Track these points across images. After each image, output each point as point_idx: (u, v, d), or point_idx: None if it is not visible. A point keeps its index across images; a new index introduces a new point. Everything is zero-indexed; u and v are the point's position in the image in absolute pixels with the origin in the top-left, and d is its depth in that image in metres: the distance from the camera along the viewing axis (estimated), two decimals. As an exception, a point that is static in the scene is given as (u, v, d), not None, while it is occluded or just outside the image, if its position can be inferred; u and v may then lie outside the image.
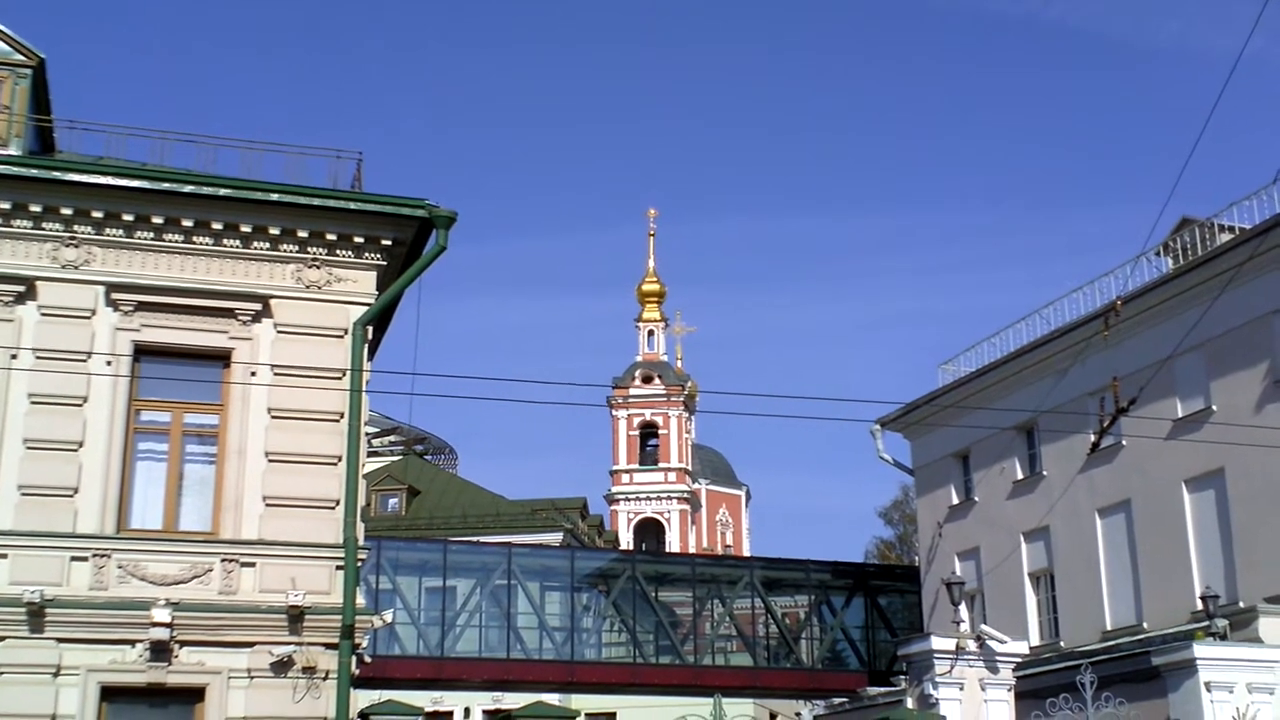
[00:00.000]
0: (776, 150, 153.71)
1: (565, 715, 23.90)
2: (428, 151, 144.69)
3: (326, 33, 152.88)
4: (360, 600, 16.56)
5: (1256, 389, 24.79)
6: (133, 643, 15.51)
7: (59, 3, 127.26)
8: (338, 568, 16.38)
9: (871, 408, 40.97)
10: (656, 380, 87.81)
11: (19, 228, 16.37)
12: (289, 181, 17.07)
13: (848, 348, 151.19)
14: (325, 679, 15.90)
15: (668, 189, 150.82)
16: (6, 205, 16.23)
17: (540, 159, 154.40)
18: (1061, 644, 28.85)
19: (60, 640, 15.34)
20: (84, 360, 16.19)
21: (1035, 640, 29.30)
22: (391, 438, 63.90)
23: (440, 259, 17.38)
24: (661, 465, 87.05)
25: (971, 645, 23.32)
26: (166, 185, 16.58)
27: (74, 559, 15.65)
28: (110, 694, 15.45)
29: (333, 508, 16.57)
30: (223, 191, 16.76)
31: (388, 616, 18.49)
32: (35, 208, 16.31)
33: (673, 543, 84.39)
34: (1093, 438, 25.95)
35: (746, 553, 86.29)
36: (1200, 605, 24.29)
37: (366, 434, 17.58)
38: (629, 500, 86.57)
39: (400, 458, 61.56)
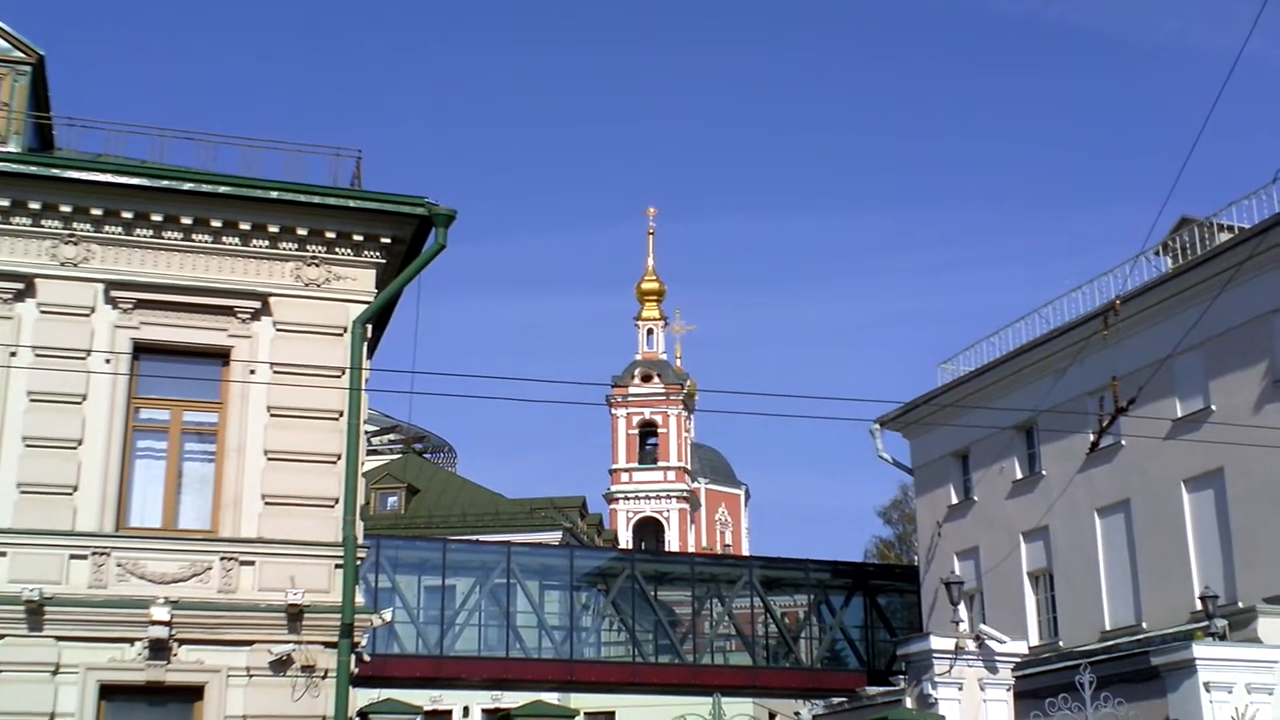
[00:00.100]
0: (776, 149, 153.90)
1: (564, 714, 23.85)
2: (427, 150, 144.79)
3: (326, 32, 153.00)
4: (359, 599, 16.56)
5: (1256, 388, 24.78)
6: (132, 641, 15.50)
7: (59, 0, 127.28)
8: (337, 566, 16.37)
9: (871, 407, 40.96)
10: (656, 379, 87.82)
11: (18, 225, 16.36)
12: (288, 179, 17.07)
13: (847, 347, 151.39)
14: (324, 677, 15.90)
15: (667, 188, 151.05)
16: (6, 202, 16.22)
17: (540, 158, 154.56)
18: (1060, 644, 28.85)
19: (59, 638, 15.33)
20: (83, 358, 16.19)
21: (1034, 640, 29.29)
22: (391, 436, 63.89)
23: (439, 257, 17.41)
24: (661, 464, 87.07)
25: (970, 645, 23.32)
26: (166, 183, 16.58)
27: (73, 557, 15.65)
28: (109, 692, 15.45)
29: (332, 506, 16.56)
30: (222, 189, 16.76)
31: (387, 615, 18.50)
32: (34, 205, 16.31)
33: (672, 542, 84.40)
34: (1092, 437, 25.98)
35: (746, 552, 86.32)
36: (1199, 605, 24.29)
37: (366, 432, 17.57)
38: (628, 499, 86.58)
39: (399, 456, 61.54)
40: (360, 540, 16.60)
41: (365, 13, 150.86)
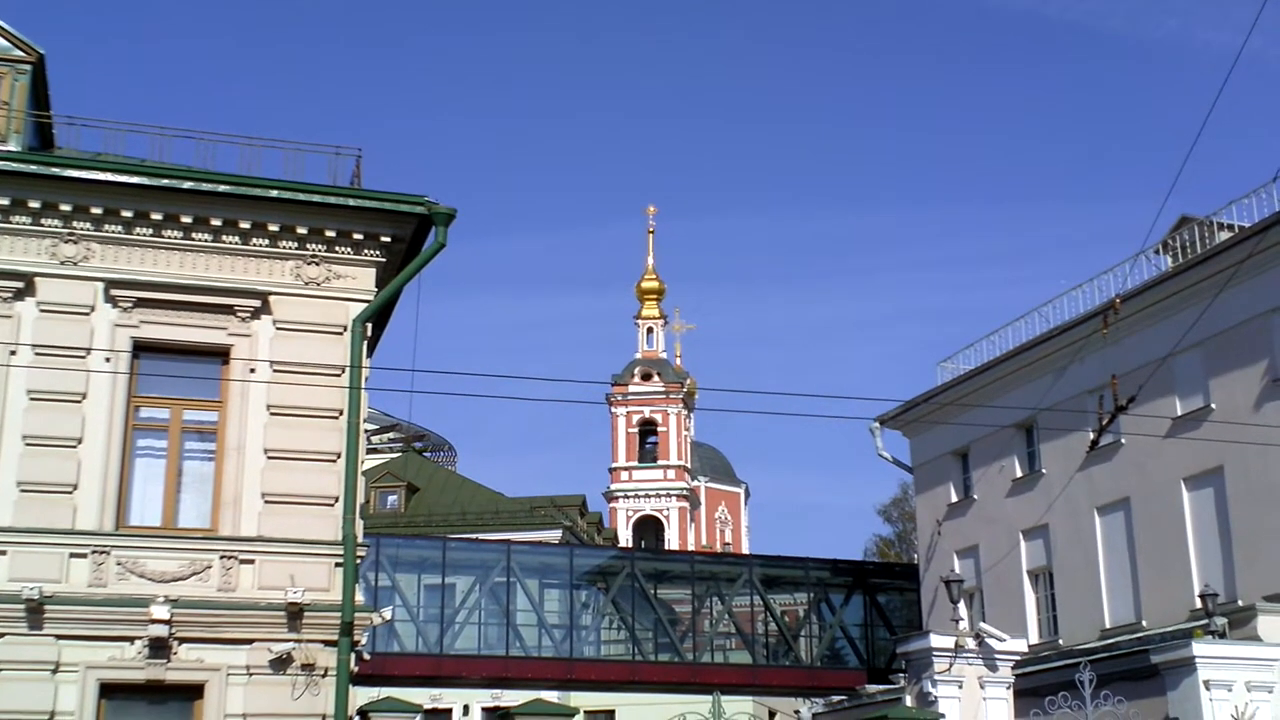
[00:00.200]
0: (776, 147, 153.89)
1: (564, 713, 23.88)
2: (427, 149, 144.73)
3: (327, 31, 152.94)
4: (359, 597, 16.57)
5: (1255, 387, 24.79)
6: (132, 640, 15.51)
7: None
8: (337, 565, 16.38)
9: (871, 405, 40.93)
10: (655, 378, 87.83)
11: (18, 224, 16.36)
12: (288, 178, 17.08)
13: (847, 345, 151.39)
14: (324, 676, 15.90)
15: (667, 186, 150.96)
16: (5, 201, 16.23)
17: (540, 156, 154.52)
18: (1060, 642, 28.86)
19: (59, 637, 15.34)
20: (83, 356, 16.19)
21: (1034, 638, 29.30)
22: (390, 435, 63.85)
23: (439, 256, 17.42)
24: (660, 463, 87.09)
25: (970, 643, 23.31)
26: (165, 181, 16.58)
27: (73, 556, 15.66)
28: (109, 691, 15.46)
29: (332, 505, 16.57)
30: (222, 188, 16.76)
31: (387, 614, 18.49)
32: (34, 204, 16.31)
33: (672, 540, 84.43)
34: (1092, 436, 25.98)
35: (745, 550, 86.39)
36: (1199, 603, 24.29)
37: (365, 431, 17.58)
38: (628, 498, 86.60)
39: (399, 455, 61.52)
40: (360, 539, 16.60)
41: (366, 12, 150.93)
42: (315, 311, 17.17)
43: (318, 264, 17.32)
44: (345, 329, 17.14)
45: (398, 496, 56.02)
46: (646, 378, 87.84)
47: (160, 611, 15.40)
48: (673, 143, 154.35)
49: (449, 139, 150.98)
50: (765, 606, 34.57)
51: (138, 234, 16.74)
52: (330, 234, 17.31)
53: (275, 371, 16.75)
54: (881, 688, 30.30)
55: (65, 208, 16.41)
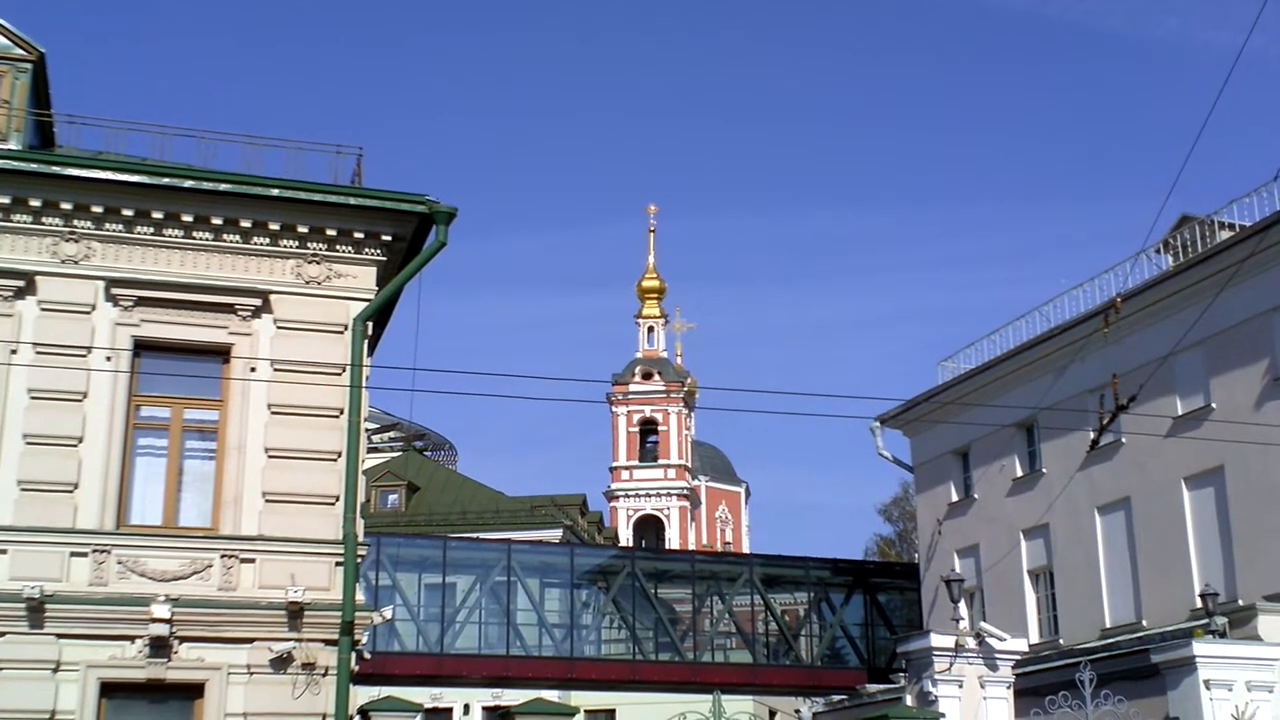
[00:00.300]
0: (777, 146, 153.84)
1: (564, 712, 23.85)
2: (427, 148, 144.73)
3: (327, 30, 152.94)
4: (360, 596, 16.57)
5: (1256, 386, 24.79)
6: (132, 638, 15.51)
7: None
8: (337, 564, 16.38)
9: (871, 404, 40.91)
10: (656, 377, 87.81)
11: (19, 222, 16.36)
12: (289, 177, 17.08)
13: (847, 344, 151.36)
14: (325, 675, 15.90)
15: (668, 185, 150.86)
16: (6, 200, 16.22)
17: (540, 155, 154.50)
18: (1061, 641, 28.87)
19: (60, 636, 15.34)
20: (84, 355, 16.19)
21: (1034, 638, 29.31)
22: (391, 434, 63.85)
23: (440, 255, 17.42)
24: (661, 462, 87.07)
25: (971, 642, 23.31)
26: (166, 180, 16.58)
27: (74, 554, 15.66)
28: (110, 689, 15.46)
29: (332, 504, 16.57)
30: (223, 187, 16.76)
31: (387, 613, 18.50)
32: (35, 202, 16.31)
33: (672, 539, 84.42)
34: (1092, 435, 25.95)
35: (746, 549, 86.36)
36: (1199, 603, 24.29)
37: (366, 430, 17.58)
38: (628, 497, 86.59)
39: (400, 454, 61.52)
40: (361, 538, 16.61)
41: (366, 12, 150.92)
42: (316, 310, 17.17)
43: (319, 263, 17.32)
44: (346, 328, 17.14)
45: (398, 496, 56.03)
46: (647, 377, 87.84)
47: (161, 610, 15.40)
48: (673, 142, 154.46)
49: (449, 139, 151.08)
50: (766, 606, 34.57)
51: (139, 233, 16.74)
52: (331, 233, 17.31)
53: (276, 370, 16.75)
54: (882, 687, 30.29)
55: (66, 206, 16.41)
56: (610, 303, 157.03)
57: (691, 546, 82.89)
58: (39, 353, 16.06)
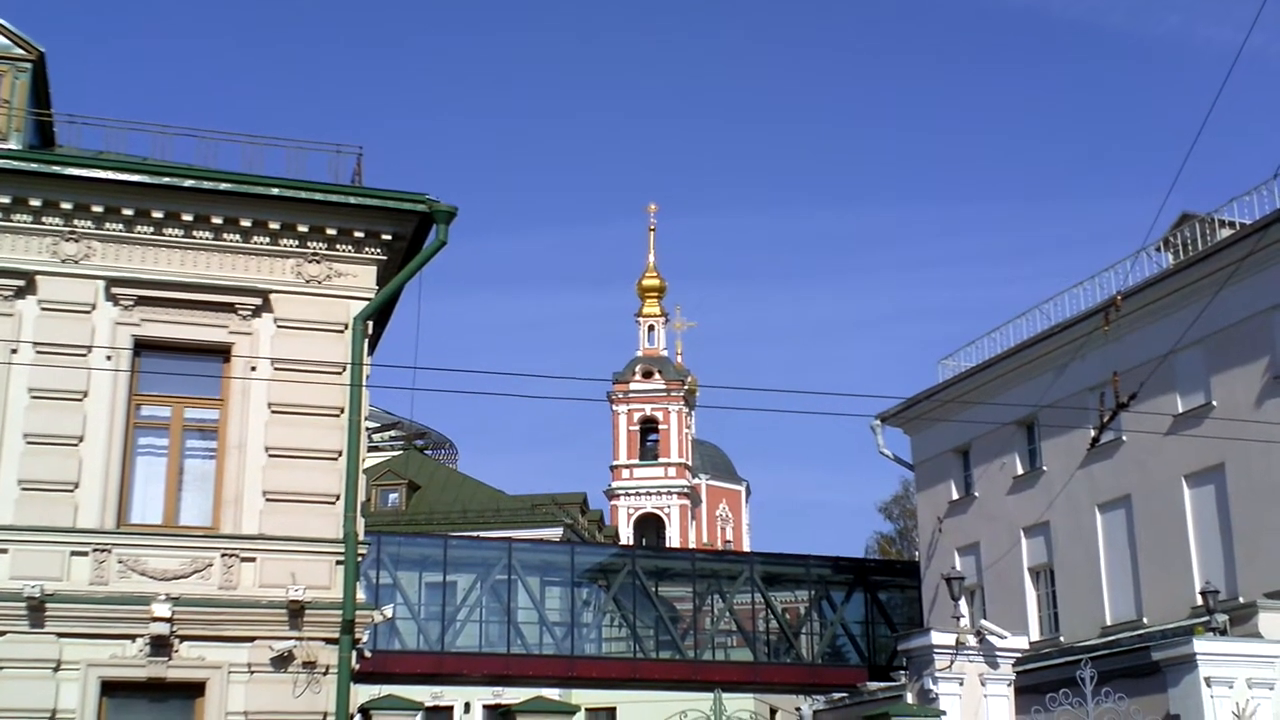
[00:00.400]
0: (777, 145, 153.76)
1: (565, 710, 23.86)
2: (427, 148, 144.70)
3: (327, 30, 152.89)
4: (360, 595, 16.58)
5: (1257, 384, 24.79)
6: (133, 638, 15.52)
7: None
8: (338, 563, 16.38)
9: (872, 403, 40.89)
10: (657, 375, 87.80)
11: (19, 222, 16.37)
12: (289, 176, 17.08)
13: (848, 343, 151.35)
14: (325, 674, 15.91)
15: (668, 184, 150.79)
16: (6, 199, 16.23)
17: (541, 154, 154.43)
18: (1061, 639, 28.88)
19: (60, 635, 15.35)
20: (84, 355, 16.19)
21: (1035, 635, 29.32)
22: (392, 433, 63.84)
23: (440, 254, 17.41)
24: (661, 460, 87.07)
25: (971, 640, 23.31)
26: (167, 180, 16.58)
27: (74, 554, 15.67)
28: (110, 689, 15.46)
29: (333, 503, 16.57)
30: (223, 186, 16.76)
31: (388, 611, 18.52)
32: (35, 202, 16.31)
33: (673, 538, 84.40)
34: (1093, 433, 25.96)
35: (746, 548, 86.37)
36: (1200, 600, 24.29)
37: (367, 429, 17.58)
38: (629, 495, 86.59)
39: (400, 453, 61.51)
40: (361, 537, 16.62)
41: (366, 12, 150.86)
42: (316, 309, 17.17)
43: (319, 262, 17.32)
44: (346, 327, 17.14)
45: (399, 494, 56.06)
46: (648, 375, 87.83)
47: (161, 609, 15.41)
48: (673, 142, 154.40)
49: (449, 139, 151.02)
50: (766, 604, 34.57)
51: (139, 232, 16.75)
52: (331, 232, 17.31)
53: (276, 369, 16.76)
54: (882, 685, 30.30)
55: (66, 206, 16.41)
56: (610, 302, 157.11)
57: (692, 545, 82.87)
58: (39, 352, 16.06)
